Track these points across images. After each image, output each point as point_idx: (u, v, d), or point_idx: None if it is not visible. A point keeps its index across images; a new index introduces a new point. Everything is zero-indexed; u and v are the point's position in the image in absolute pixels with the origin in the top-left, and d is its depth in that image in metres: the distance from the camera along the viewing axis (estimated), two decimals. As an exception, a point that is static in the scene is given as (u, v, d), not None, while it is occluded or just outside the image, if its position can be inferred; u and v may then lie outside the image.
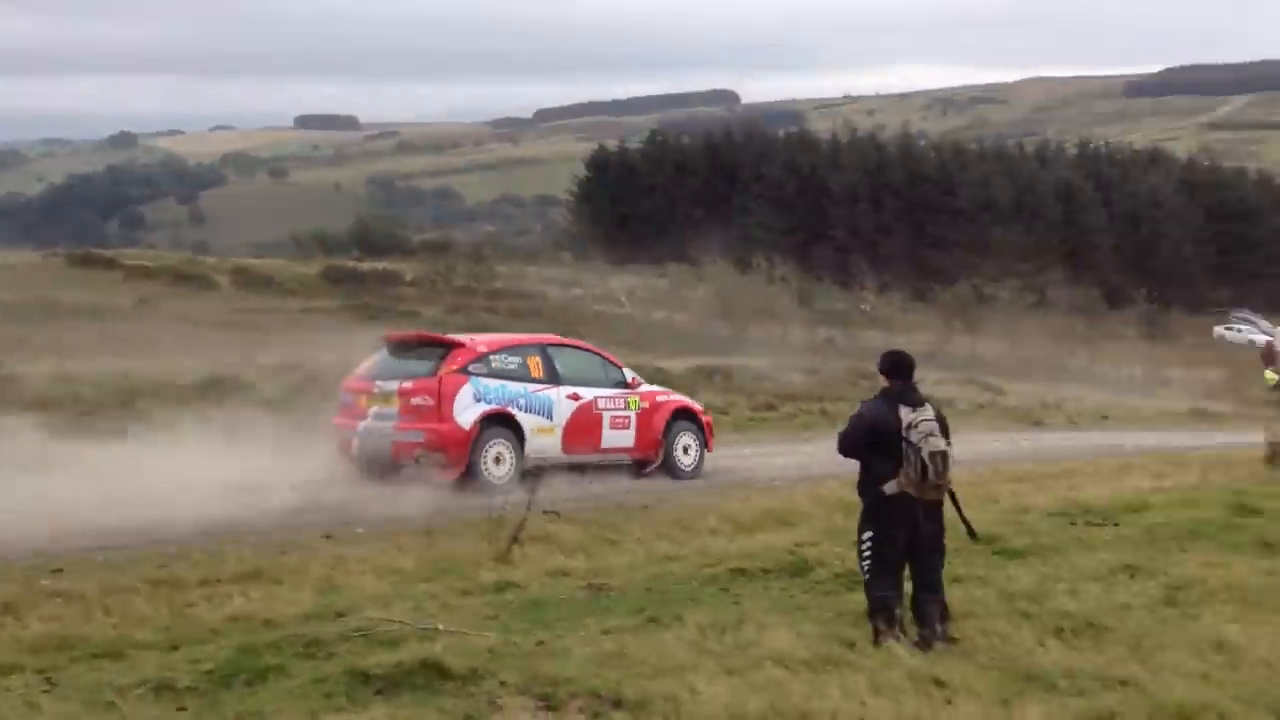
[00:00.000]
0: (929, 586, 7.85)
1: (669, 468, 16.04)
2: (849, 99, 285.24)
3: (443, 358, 14.47)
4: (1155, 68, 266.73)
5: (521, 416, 14.51)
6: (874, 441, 7.76)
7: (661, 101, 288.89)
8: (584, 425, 15.27)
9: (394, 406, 14.18)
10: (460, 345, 14.81)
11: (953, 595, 8.71)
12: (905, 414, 7.60)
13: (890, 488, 7.68)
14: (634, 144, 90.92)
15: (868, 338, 38.76)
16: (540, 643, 7.54)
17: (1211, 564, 10.43)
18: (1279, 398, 33.89)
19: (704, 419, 16.68)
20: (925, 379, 22.10)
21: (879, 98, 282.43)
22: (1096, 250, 70.90)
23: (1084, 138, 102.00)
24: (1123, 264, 70.61)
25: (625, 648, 7.36)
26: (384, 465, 14.13)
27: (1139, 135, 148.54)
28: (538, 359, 15.16)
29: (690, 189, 76.70)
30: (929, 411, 7.65)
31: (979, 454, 19.06)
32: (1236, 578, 9.87)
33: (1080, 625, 8.26)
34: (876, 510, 7.84)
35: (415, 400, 14.09)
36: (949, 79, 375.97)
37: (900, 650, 7.42)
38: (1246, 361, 48.91)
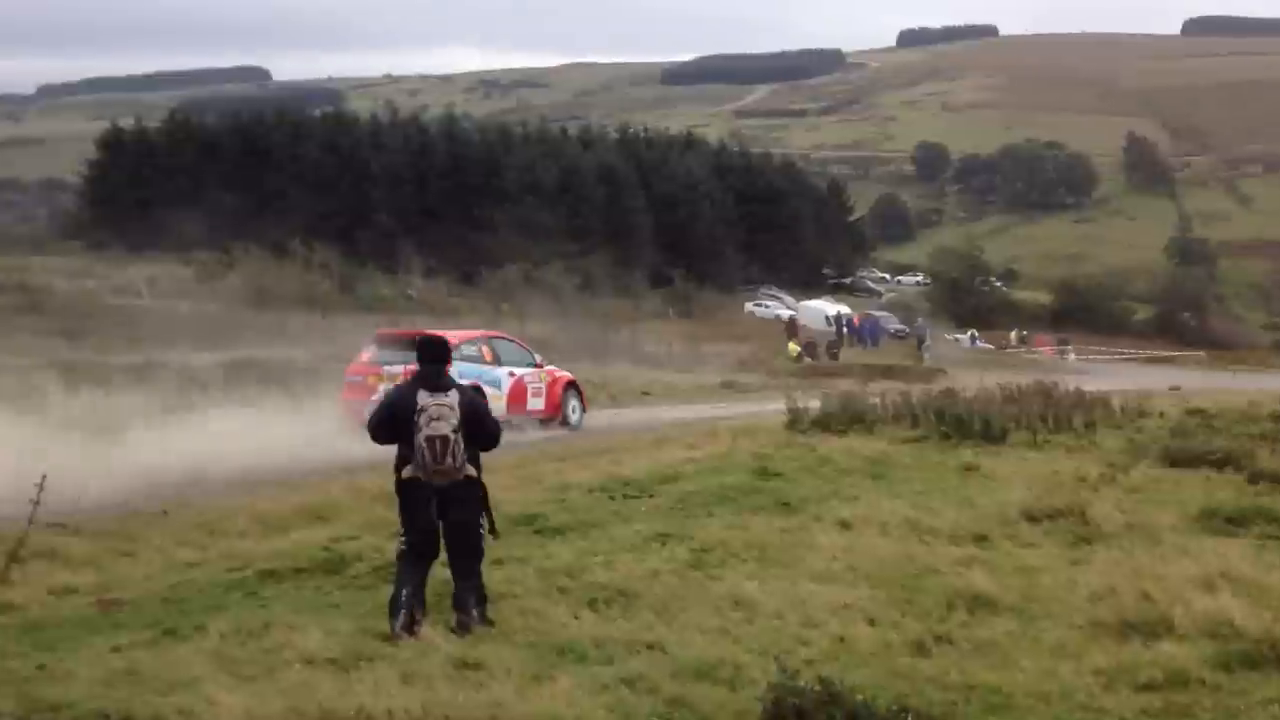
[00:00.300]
0: (461, 574, 8.00)
1: (564, 422, 22.35)
2: (390, 79, 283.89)
3: None
4: (690, 56, 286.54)
5: (485, 388, 18.88)
6: (394, 425, 7.83)
7: (182, 78, 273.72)
8: (518, 393, 21.57)
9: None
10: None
11: (493, 577, 8.94)
12: (423, 398, 7.70)
13: (406, 472, 7.82)
14: (153, 123, 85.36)
15: (414, 324, 38.84)
16: (41, 667, 7.07)
17: (735, 526, 11.41)
18: (801, 368, 37.60)
19: (581, 389, 23.54)
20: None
21: (422, 79, 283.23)
22: (637, 232, 75.11)
23: (624, 122, 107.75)
24: (662, 245, 75.29)
25: (137, 665, 7.03)
26: None
27: (675, 121, 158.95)
28: (487, 347, 21.63)
29: (219, 172, 73.02)
30: (448, 398, 7.74)
31: (528, 435, 19.71)
32: (756, 537, 10.85)
33: (613, 595, 8.74)
34: (397, 496, 7.95)
35: None
36: (492, 62, 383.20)
37: (436, 638, 7.51)
38: (773, 335, 53.96)
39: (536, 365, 22.44)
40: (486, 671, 6.91)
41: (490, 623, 7.96)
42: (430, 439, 7.61)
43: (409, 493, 7.87)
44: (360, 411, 17.79)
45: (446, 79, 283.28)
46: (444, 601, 8.09)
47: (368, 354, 20.96)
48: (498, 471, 14.27)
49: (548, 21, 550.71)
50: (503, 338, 23.49)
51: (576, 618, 8.15)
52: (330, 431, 17.72)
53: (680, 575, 9.46)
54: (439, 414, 7.64)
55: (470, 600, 7.93)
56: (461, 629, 7.77)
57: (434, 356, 8.00)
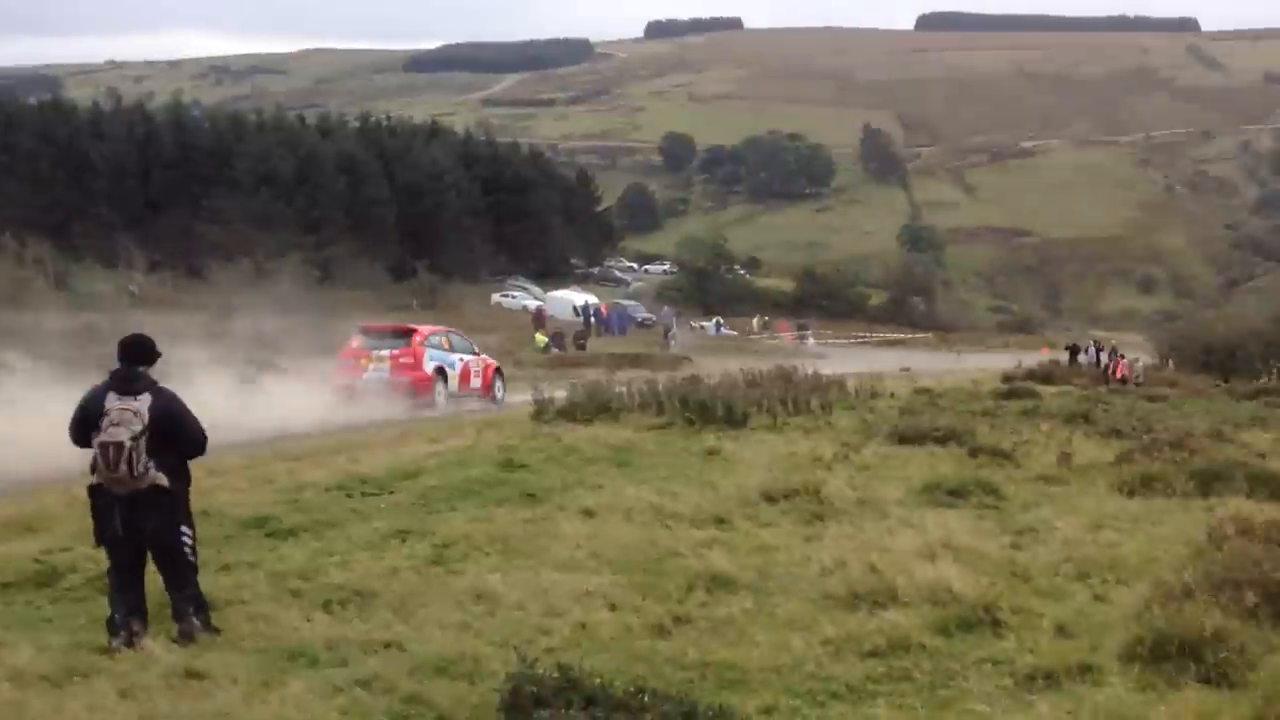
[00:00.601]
0: (172, 584, 7.66)
1: (493, 399, 27.61)
2: (113, 65, 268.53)
3: (410, 336, 26.09)
4: (436, 44, 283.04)
5: (446, 369, 25.96)
6: (85, 428, 7.47)
7: None
8: (465, 375, 26.91)
9: (386, 364, 25.01)
10: (417, 330, 26.59)
11: (220, 584, 8.66)
12: (110, 401, 7.34)
13: (94, 478, 7.46)
14: None
15: (135, 322, 36.89)
16: None
17: (478, 519, 11.38)
18: (549, 358, 37.77)
19: (502, 373, 29.24)
20: (197, 360, 21.54)
21: (147, 64, 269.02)
22: (379, 223, 73.66)
23: (366, 111, 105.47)
24: (406, 236, 74.16)
25: None
26: (383, 396, 23.97)
27: (420, 109, 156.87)
28: (446, 339, 27.34)
29: (-80, 162, 67.42)
30: (137, 402, 7.36)
31: (260, 435, 19.03)
32: (500, 529, 10.86)
33: (349, 595, 8.58)
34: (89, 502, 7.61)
35: (403, 360, 25.16)
36: (224, 47, 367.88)
37: (157, 649, 7.19)
38: (521, 326, 53.93)
39: (475, 354, 28.08)
40: (212, 681, 6.66)
41: (215, 630, 7.67)
42: (104, 445, 7.24)
43: (94, 499, 7.50)
44: (352, 389, 24.27)
45: (175, 65, 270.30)
46: (166, 611, 7.75)
47: (356, 341, 26.09)
48: (228, 474, 13.81)
49: (283, 5, 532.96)
50: (455, 332, 29.08)
51: (309, 620, 7.97)
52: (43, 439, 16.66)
53: (420, 572, 9.38)
54: (120, 419, 7.25)
55: (188, 610, 7.61)
56: (184, 639, 7.46)
57: (133, 357, 7.59)
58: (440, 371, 25.84)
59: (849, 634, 7.61)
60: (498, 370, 28.86)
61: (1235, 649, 6.89)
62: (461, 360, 27.07)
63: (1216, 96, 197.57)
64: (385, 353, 25.21)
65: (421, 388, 25.17)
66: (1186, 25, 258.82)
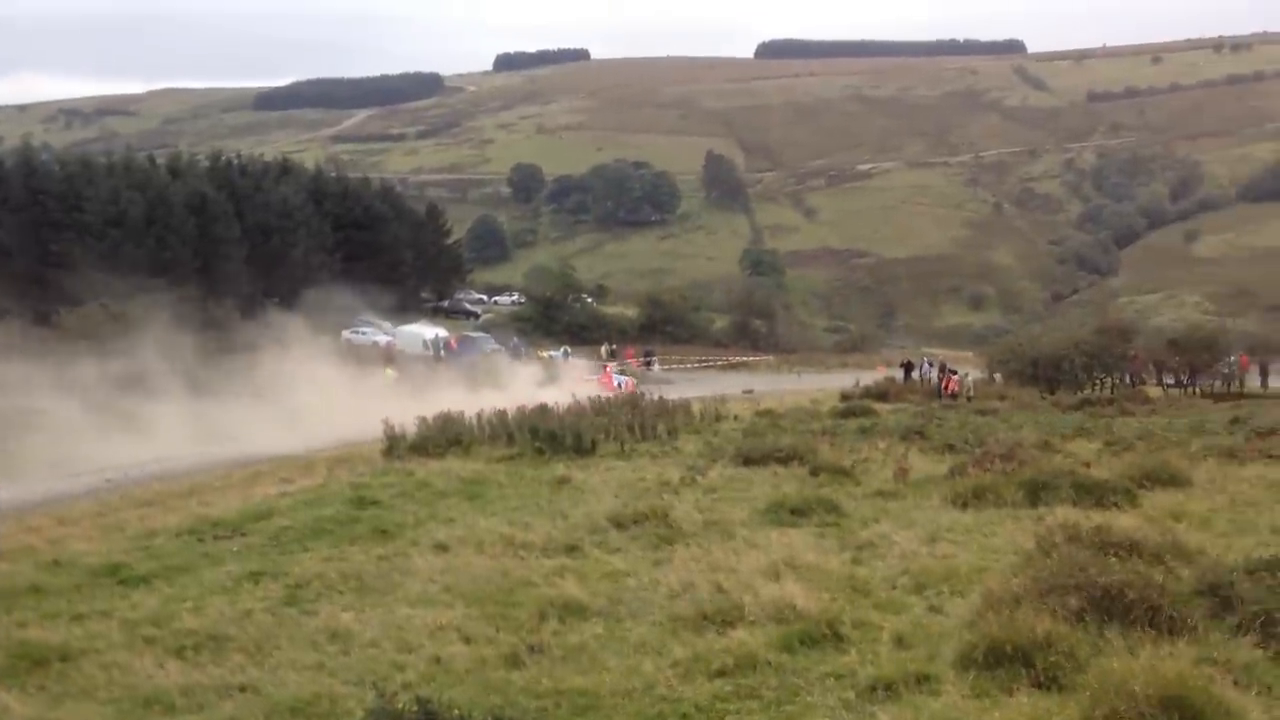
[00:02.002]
0: None
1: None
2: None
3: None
4: (285, 81, 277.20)
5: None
6: None
7: None
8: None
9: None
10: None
11: (73, 633, 8.46)
12: None
13: None
14: None
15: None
16: None
17: (331, 558, 11.26)
18: (400, 391, 37.27)
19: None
20: (43, 410, 20.79)
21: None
22: (229, 262, 71.81)
23: (216, 150, 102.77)
24: (256, 275, 72.40)
25: None
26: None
27: (270, 147, 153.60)
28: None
29: None
30: None
31: (109, 481, 18.39)
32: (353, 567, 10.77)
33: (203, 640, 8.43)
34: None
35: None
36: (73, 90, 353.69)
37: (10, 701, 6.98)
38: (371, 361, 53.11)
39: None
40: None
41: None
42: None
43: None
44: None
45: (23, 109, 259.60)
46: (20, 663, 7.50)
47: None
48: (79, 522, 13.40)
49: (132, 46, 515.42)
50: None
51: (163, 667, 7.82)
52: None
53: (274, 613, 9.26)
54: None
55: None
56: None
57: None
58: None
59: (698, 654, 7.77)
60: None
61: (1064, 653, 7.24)
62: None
63: (1042, 116, 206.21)
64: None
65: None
66: (1013, 47, 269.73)
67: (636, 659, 7.82)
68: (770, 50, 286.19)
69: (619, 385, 43.73)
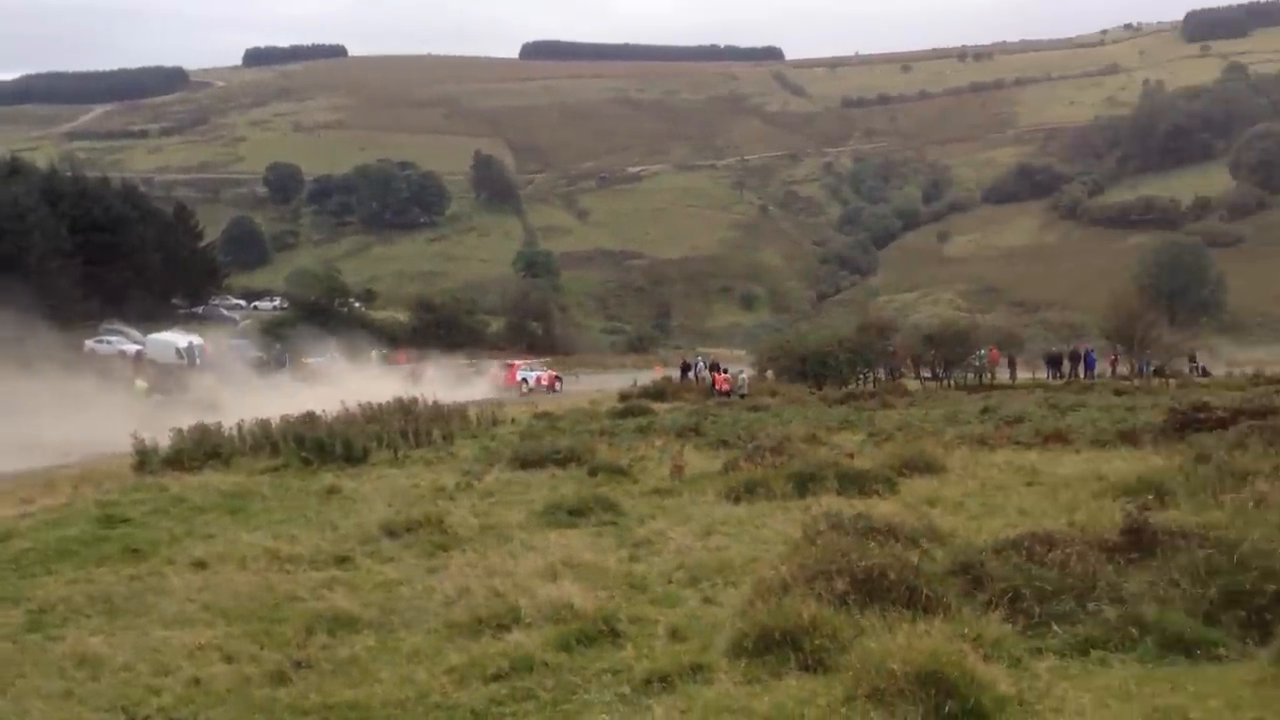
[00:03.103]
0: None
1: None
2: None
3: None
4: (13, 75, 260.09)
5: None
6: None
7: None
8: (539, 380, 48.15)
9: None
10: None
11: None
12: None
13: None
14: None
15: None
16: None
17: (77, 580, 10.70)
18: (152, 403, 35.71)
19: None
20: None
21: None
22: (-48, 268, 67.10)
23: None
24: (-15, 282, 67.89)
25: None
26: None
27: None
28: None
29: None
30: None
31: None
32: (102, 589, 10.25)
33: (-65, 674, 7.86)
34: None
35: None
36: None
37: None
38: (119, 371, 50.60)
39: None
40: None
41: None
42: None
43: None
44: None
45: None
46: None
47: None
48: None
49: None
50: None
51: (-109, 705, 7.25)
52: None
53: (15, 640, 8.76)
54: None
55: None
56: None
57: None
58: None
59: (473, 660, 7.75)
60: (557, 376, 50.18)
61: (829, 635, 7.56)
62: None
63: (801, 121, 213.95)
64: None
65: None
66: (772, 54, 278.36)
67: (410, 668, 7.74)
68: (535, 51, 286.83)
69: (522, 381, 45.27)
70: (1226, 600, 8.04)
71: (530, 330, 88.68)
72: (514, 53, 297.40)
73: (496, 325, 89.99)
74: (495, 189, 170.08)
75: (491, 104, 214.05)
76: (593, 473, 16.94)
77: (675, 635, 8.33)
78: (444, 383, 42.66)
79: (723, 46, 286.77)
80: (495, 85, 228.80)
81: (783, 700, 6.73)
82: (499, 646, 7.99)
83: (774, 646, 7.53)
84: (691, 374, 51.73)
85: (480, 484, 16.10)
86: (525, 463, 17.84)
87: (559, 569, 10.11)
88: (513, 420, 26.96)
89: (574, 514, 13.39)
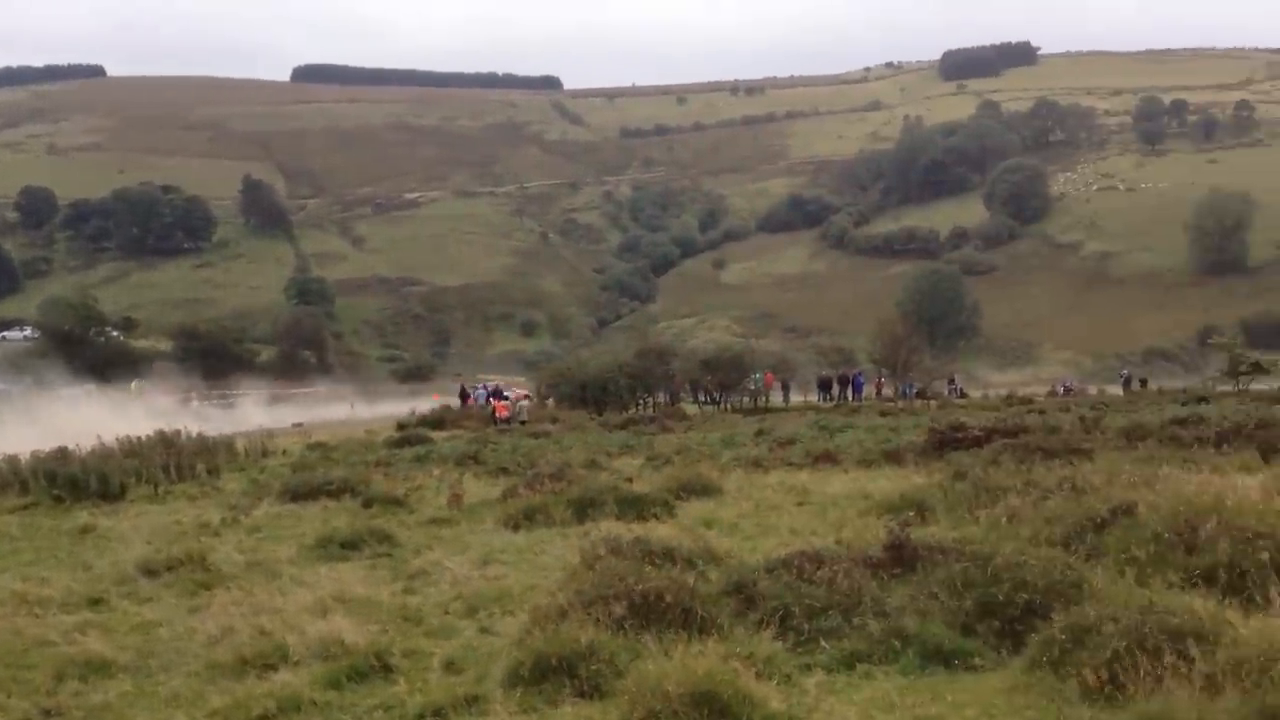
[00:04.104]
0: None
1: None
2: None
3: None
4: None
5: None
6: None
7: None
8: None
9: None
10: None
11: None
12: None
13: None
14: None
15: None
16: None
17: None
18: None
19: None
20: None
21: None
22: None
23: None
24: None
25: None
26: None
27: None
28: None
29: None
30: None
31: None
32: None
33: None
34: None
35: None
36: None
37: None
38: None
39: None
40: None
41: None
42: None
43: None
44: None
45: None
46: None
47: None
48: None
49: None
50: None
51: None
52: None
53: None
54: None
55: None
56: None
57: None
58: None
59: (237, 701, 7.46)
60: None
61: (605, 660, 7.59)
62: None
63: (581, 150, 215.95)
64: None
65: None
66: (550, 84, 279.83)
67: (168, 712, 7.39)
68: (307, 75, 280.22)
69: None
70: (981, 611, 8.46)
71: (303, 359, 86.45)
72: (285, 76, 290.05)
73: (267, 354, 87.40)
74: (265, 214, 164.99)
75: (261, 128, 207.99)
76: (367, 504, 16.59)
77: (450, 667, 8.22)
78: (199, 413, 41.22)
79: (501, 74, 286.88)
80: (265, 108, 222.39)
81: (558, 728, 6.72)
82: (264, 687, 7.70)
83: (551, 674, 7.51)
84: (472, 401, 51.42)
85: (247, 519, 15.54)
86: (296, 495, 17.32)
87: (329, 604, 9.84)
88: (284, 451, 26.18)
89: (347, 547, 13.07)
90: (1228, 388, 47.33)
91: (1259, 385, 47.42)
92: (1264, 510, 10.17)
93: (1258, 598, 8.40)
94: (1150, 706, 5.82)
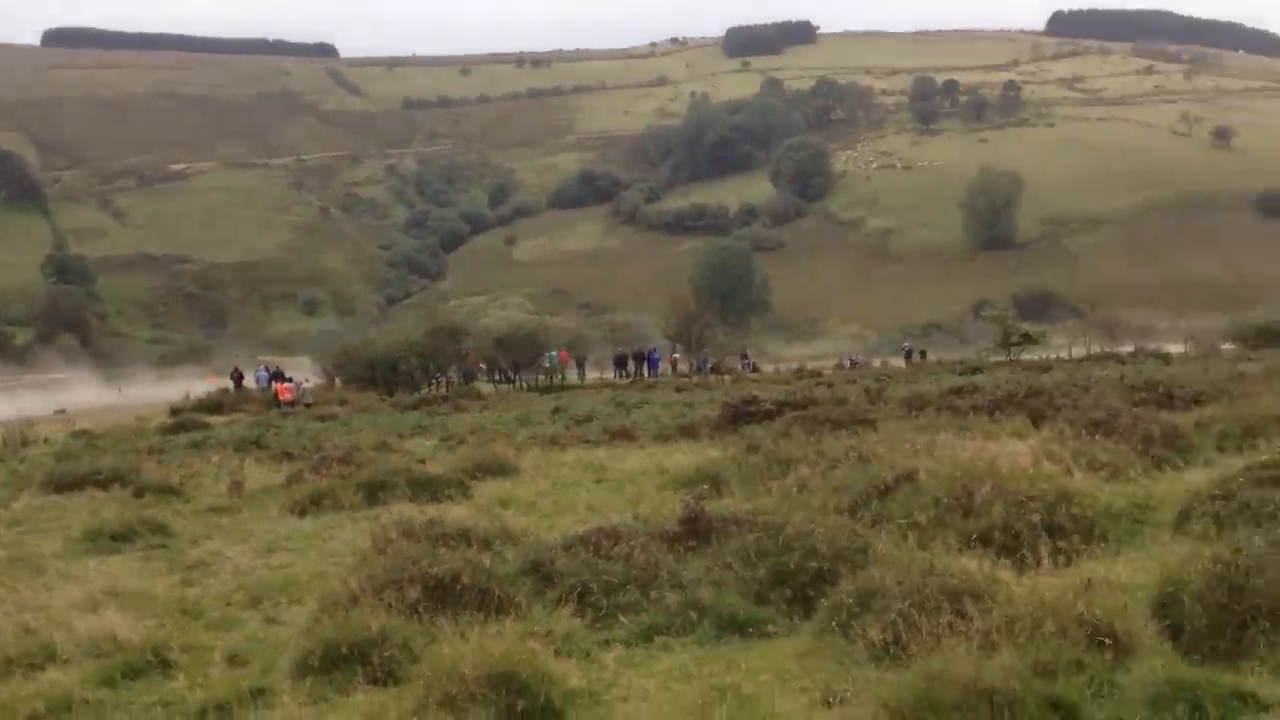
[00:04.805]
0: None
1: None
2: None
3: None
4: None
5: None
6: None
7: None
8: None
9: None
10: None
11: None
12: None
13: None
14: None
15: None
16: None
17: None
18: None
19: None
20: None
21: None
22: None
23: None
24: None
25: None
26: None
27: None
28: None
29: None
30: None
31: None
32: None
33: None
34: None
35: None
36: None
37: None
38: None
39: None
40: None
41: None
42: None
43: None
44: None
45: None
46: None
47: None
48: None
49: None
50: None
51: None
52: None
53: None
54: None
55: None
56: None
57: None
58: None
59: (2, 704, 7.09)
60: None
61: (399, 645, 7.54)
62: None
63: (361, 121, 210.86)
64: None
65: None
66: (326, 51, 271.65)
67: (-76, 722, 6.96)
68: (60, 39, 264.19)
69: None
70: (774, 580, 8.75)
71: (64, 341, 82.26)
72: (35, 40, 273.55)
73: (23, 337, 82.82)
74: (16, 187, 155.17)
75: (9, 95, 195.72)
76: (139, 493, 15.97)
77: (234, 660, 8.02)
78: None
79: (272, 40, 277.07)
80: (12, 75, 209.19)
81: (350, 717, 6.64)
82: (31, 687, 7.36)
83: (341, 662, 7.41)
84: (253, 384, 49.91)
85: (7, 512, 14.75)
86: (60, 486, 16.52)
87: (100, 599, 9.46)
88: (45, 440, 24.90)
89: (118, 539, 12.58)
90: (1001, 358, 49.92)
91: (1029, 355, 50.25)
92: (1034, 475, 10.83)
93: (1029, 557, 8.94)
94: (931, 664, 6.11)
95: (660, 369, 56.25)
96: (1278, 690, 5.95)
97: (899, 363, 59.88)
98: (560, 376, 53.31)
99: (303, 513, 14.19)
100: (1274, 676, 6.12)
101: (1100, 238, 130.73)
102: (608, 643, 7.95)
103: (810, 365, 58.76)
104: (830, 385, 34.90)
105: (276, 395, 41.90)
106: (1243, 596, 6.79)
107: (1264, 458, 10.27)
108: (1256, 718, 5.77)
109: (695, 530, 10.00)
